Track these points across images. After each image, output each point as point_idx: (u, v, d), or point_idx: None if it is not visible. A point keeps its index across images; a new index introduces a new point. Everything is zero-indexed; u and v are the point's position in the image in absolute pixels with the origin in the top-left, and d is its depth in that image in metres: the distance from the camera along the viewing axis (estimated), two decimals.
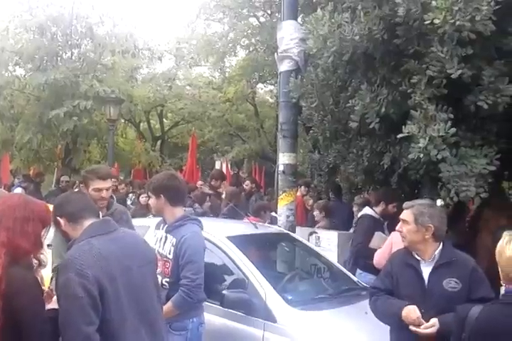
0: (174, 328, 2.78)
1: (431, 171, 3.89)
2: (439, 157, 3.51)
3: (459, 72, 3.44)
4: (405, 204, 2.70)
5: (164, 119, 16.12)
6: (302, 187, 7.10)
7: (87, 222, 2.11)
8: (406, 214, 2.63)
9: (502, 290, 1.95)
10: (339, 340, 2.84)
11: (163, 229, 2.97)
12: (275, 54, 5.49)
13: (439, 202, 5.66)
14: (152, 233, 3.07)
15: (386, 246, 3.98)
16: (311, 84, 4.94)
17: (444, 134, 3.46)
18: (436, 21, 3.34)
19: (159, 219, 3.08)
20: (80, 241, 2.04)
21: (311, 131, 6.36)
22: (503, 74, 3.60)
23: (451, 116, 3.56)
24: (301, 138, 9.26)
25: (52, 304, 2.03)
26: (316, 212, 5.94)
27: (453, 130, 3.46)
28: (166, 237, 2.91)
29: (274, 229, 4.48)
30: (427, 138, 3.46)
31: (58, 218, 2.16)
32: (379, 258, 4.01)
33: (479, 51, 3.69)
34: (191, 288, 2.73)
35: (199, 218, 3.11)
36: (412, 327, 2.41)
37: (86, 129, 10.65)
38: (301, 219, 7.17)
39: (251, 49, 11.96)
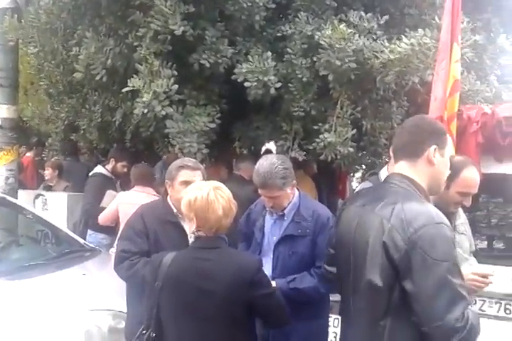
0: None
1: (160, 128, 3.90)
2: (163, 113, 3.53)
3: (182, 28, 3.47)
4: None
5: None
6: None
7: None
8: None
9: (192, 238, 2.05)
10: (44, 307, 2.64)
11: None
12: None
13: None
14: None
15: (111, 207, 3.89)
16: (32, 26, 4.34)
17: (167, 90, 3.47)
18: None
19: None
20: None
21: (41, 83, 5.70)
22: (224, 36, 3.80)
23: (175, 73, 3.60)
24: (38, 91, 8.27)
25: None
26: (48, 171, 5.42)
27: (175, 86, 3.50)
28: None
29: None
30: (151, 93, 3.42)
31: None
32: (106, 218, 3.92)
33: (204, 12, 3.79)
34: None
35: None
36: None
37: None
38: (31, 182, 6.51)
39: None
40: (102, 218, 3.96)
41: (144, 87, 3.49)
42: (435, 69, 3.08)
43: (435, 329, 1.45)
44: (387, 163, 3.12)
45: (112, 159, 4.48)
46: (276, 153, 3.83)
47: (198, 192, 1.96)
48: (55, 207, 4.57)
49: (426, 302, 1.45)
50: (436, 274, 1.44)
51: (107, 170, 4.47)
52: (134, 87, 3.51)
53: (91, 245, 3.80)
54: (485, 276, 2.03)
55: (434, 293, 1.44)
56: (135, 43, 3.69)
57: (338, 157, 3.66)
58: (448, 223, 1.52)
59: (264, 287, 2.00)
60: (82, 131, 5.20)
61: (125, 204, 3.73)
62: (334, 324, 3.15)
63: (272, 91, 3.62)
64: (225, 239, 2.01)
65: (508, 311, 3.11)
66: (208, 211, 1.93)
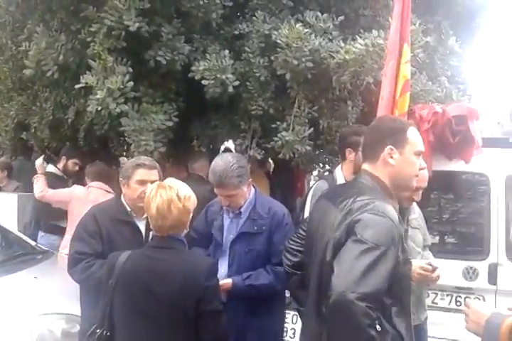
0: None
1: (115, 126, 3.82)
2: (118, 110, 3.44)
3: (137, 25, 3.40)
4: None
5: None
6: None
7: None
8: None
9: (150, 235, 2.01)
10: None
11: None
12: None
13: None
14: None
15: (66, 192, 3.79)
16: None
17: (122, 87, 3.40)
18: None
19: None
20: None
21: None
22: (180, 33, 3.76)
23: (130, 69, 3.52)
24: None
25: None
26: None
27: (130, 83, 3.43)
28: None
29: None
30: (105, 90, 3.34)
31: None
32: (56, 196, 3.88)
33: (160, 8, 3.73)
34: None
35: None
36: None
37: None
38: None
39: None
40: (52, 195, 3.85)
41: (97, 83, 3.40)
42: (384, 70, 3.12)
43: (329, 298, 1.42)
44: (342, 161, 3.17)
45: (63, 157, 4.35)
46: (235, 152, 3.81)
47: (147, 190, 1.98)
48: (4, 208, 4.37)
49: (337, 273, 1.45)
50: (357, 250, 1.46)
51: (58, 169, 4.33)
52: (87, 83, 3.42)
53: (43, 247, 3.67)
54: (427, 270, 2.11)
55: (347, 266, 1.45)
56: (88, 39, 3.58)
57: (296, 155, 3.69)
58: (393, 217, 1.55)
59: (216, 298, 1.90)
60: (33, 130, 5.01)
61: (79, 201, 3.62)
62: (293, 320, 3.17)
63: (230, 89, 3.61)
64: (181, 239, 1.96)
65: (458, 303, 3.23)
66: (148, 209, 1.92)
